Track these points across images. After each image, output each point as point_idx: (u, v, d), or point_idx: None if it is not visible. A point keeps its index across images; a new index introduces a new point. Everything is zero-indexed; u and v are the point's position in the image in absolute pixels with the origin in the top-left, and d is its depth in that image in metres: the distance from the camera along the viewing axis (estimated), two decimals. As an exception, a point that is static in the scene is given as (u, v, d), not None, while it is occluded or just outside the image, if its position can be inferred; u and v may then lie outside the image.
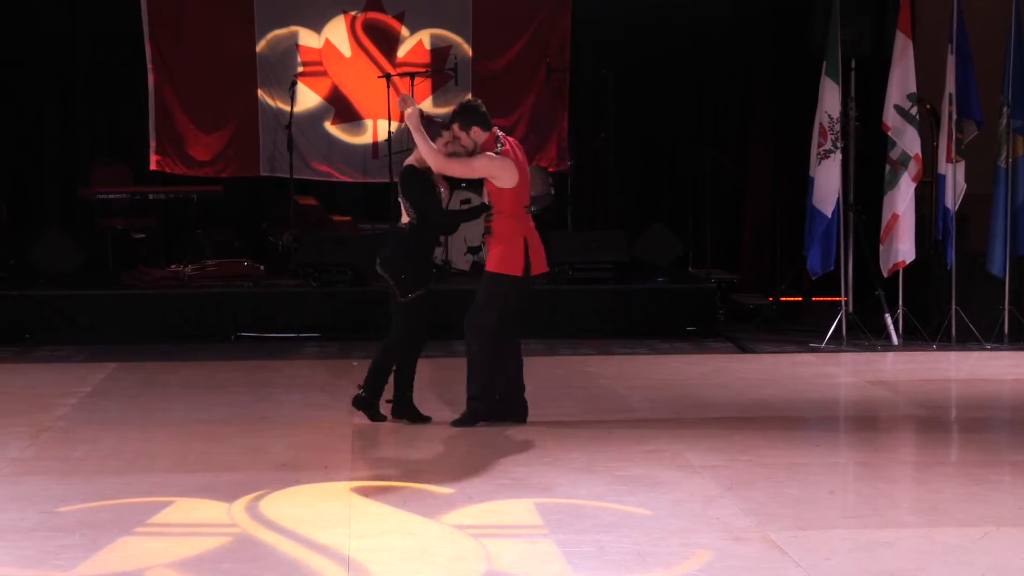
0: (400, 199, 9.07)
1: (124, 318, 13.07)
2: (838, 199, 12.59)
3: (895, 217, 12.61)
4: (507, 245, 8.87)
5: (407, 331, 9.08)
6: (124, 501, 7.26)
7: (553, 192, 14.15)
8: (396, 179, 9.53)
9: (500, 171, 8.91)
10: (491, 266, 8.94)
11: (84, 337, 12.79)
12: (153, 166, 15.24)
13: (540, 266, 9.06)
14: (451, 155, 8.93)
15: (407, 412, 9.23)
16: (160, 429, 9.15)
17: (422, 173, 8.95)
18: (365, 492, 7.49)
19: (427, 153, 8.81)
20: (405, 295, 8.97)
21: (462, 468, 8.02)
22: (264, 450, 8.52)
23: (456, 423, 9.01)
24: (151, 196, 14.62)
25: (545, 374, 10.95)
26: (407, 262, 8.98)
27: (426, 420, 9.21)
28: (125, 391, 10.56)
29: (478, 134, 8.93)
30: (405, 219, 9.01)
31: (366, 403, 9.19)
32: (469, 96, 15.40)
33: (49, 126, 15.48)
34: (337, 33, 15.56)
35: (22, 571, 6.11)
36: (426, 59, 15.57)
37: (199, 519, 6.97)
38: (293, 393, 10.47)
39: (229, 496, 7.34)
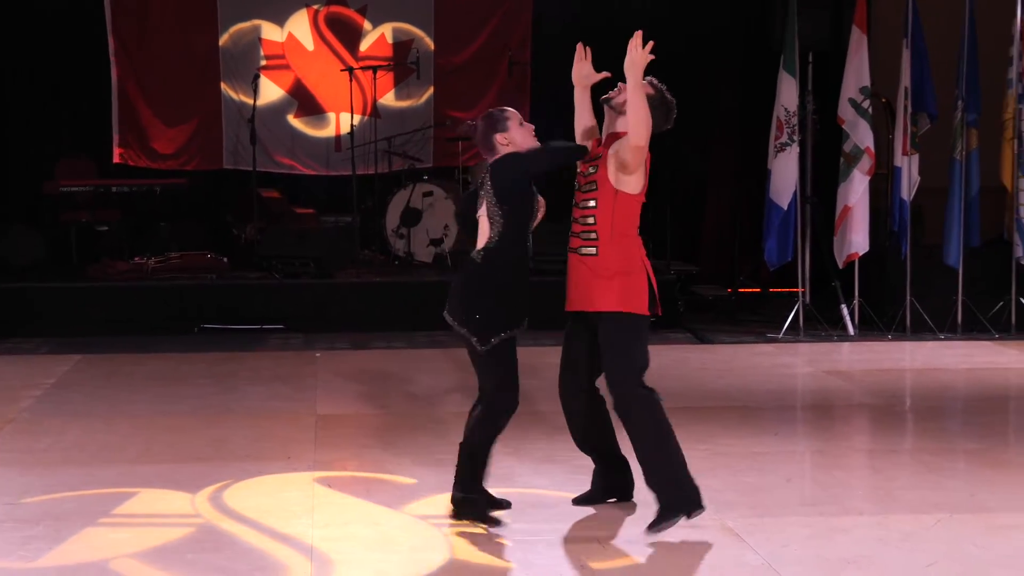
0: (488, 206, 6.72)
1: (88, 311, 12.99)
2: (795, 191, 12.66)
3: (847, 209, 12.68)
4: (628, 274, 6.67)
5: (499, 393, 6.75)
6: (88, 492, 7.25)
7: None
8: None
9: (642, 160, 6.75)
10: (614, 304, 6.62)
11: (48, 330, 12.71)
12: (116, 159, 15.18)
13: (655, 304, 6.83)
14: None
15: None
16: (124, 421, 9.13)
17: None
18: (328, 482, 7.49)
19: (641, 101, 6.77)
20: (486, 341, 6.63)
21: (424, 459, 8.02)
22: (228, 441, 8.51)
23: (654, 527, 6.43)
24: (115, 189, 14.56)
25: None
26: (482, 295, 6.67)
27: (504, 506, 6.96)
28: (89, 383, 10.52)
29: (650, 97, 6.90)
30: (482, 241, 6.73)
31: (466, 503, 6.78)
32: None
33: (13, 121, 15.39)
34: (300, 27, 15.53)
35: (-13, 562, 6.11)
36: (388, 52, 15.56)
37: (163, 510, 6.97)
38: (257, 385, 10.45)
39: (193, 487, 7.34)
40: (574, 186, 6.95)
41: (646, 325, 6.71)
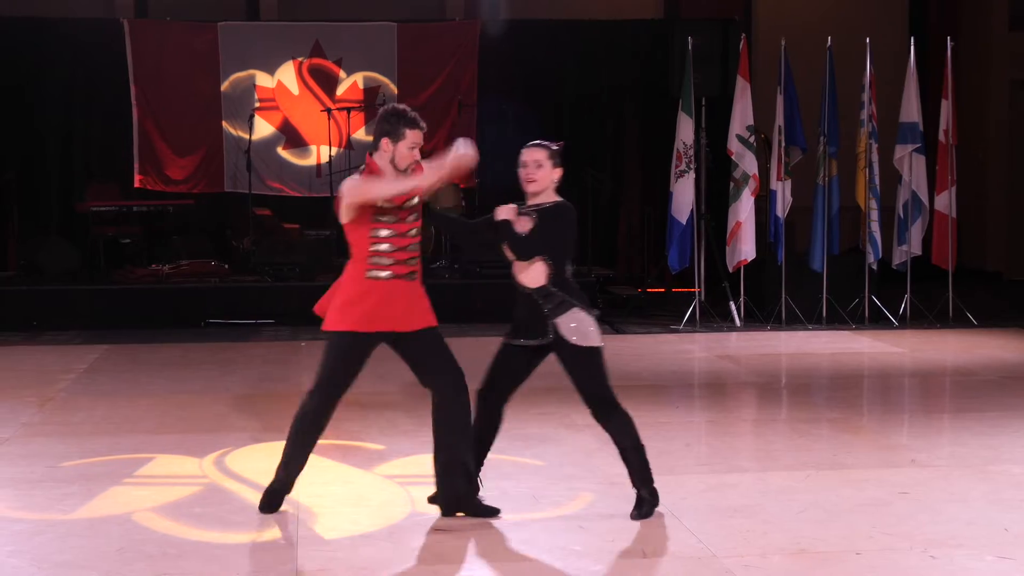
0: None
1: (114, 308, 12.91)
2: (692, 209, 12.72)
3: (738, 224, 12.75)
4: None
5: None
6: (114, 457, 7.19)
7: (464, 204, 14.13)
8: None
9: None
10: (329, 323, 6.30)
11: (81, 324, 12.62)
12: (137, 184, 15.15)
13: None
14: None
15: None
16: (144, 398, 9.06)
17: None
18: (312, 448, 7.46)
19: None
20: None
21: (391, 430, 8.01)
22: (228, 415, 8.46)
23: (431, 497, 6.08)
24: (135, 208, 14.46)
25: (459, 355, 10.93)
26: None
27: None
28: (115, 368, 10.44)
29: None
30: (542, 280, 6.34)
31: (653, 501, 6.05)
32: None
33: (52, 152, 15.30)
34: (287, 75, 15.47)
35: (32, 514, 6.06)
36: (360, 96, 15.53)
37: (176, 471, 6.93)
38: (252, 369, 10.40)
39: (200, 453, 7.30)
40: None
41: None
